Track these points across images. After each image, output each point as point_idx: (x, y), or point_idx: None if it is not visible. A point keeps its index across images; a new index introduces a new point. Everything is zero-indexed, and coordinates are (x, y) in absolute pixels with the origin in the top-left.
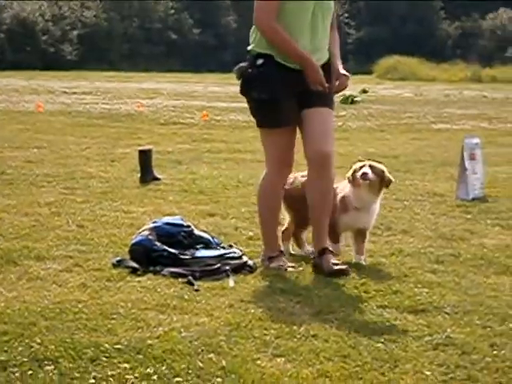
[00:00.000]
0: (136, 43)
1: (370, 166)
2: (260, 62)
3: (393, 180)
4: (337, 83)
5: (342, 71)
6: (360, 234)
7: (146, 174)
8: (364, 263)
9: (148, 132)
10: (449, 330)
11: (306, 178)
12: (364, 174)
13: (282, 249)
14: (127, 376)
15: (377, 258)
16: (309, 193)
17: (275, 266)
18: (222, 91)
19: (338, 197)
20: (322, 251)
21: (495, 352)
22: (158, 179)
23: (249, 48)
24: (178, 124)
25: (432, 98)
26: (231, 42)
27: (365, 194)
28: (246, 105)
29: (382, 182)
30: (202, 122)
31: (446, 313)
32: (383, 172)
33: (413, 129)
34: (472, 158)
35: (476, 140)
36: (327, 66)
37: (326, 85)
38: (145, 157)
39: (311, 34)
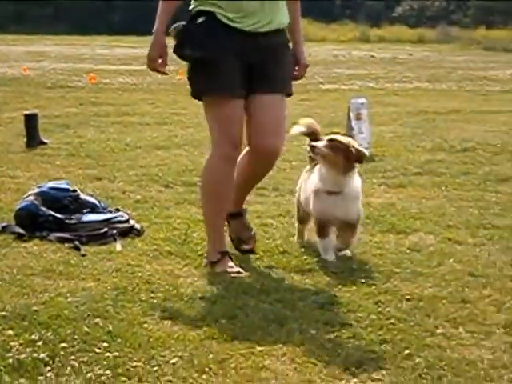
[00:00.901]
0: (23, 5)
1: (330, 140)
2: (200, 19)
3: (365, 154)
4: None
5: (304, 61)
6: (345, 230)
7: (33, 139)
8: (349, 254)
9: (35, 96)
10: (335, 288)
11: None
12: (312, 146)
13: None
14: (12, 343)
15: (264, 218)
16: (240, 169)
17: (219, 271)
18: (110, 54)
19: (313, 186)
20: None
21: (380, 309)
22: (44, 143)
23: (190, 8)
24: (65, 87)
25: (321, 58)
26: (119, 4)
27: (328, 173)
28: (135, 67)
29: (348, 158)
30: (90, 85)
31: (332, 272)
32: (348, 147)
33: (301, 89)
34: (358, 118)
35: (362, 100)
36: (279, 34)
37: (165, 71)
38: (31, 121)
39: None
